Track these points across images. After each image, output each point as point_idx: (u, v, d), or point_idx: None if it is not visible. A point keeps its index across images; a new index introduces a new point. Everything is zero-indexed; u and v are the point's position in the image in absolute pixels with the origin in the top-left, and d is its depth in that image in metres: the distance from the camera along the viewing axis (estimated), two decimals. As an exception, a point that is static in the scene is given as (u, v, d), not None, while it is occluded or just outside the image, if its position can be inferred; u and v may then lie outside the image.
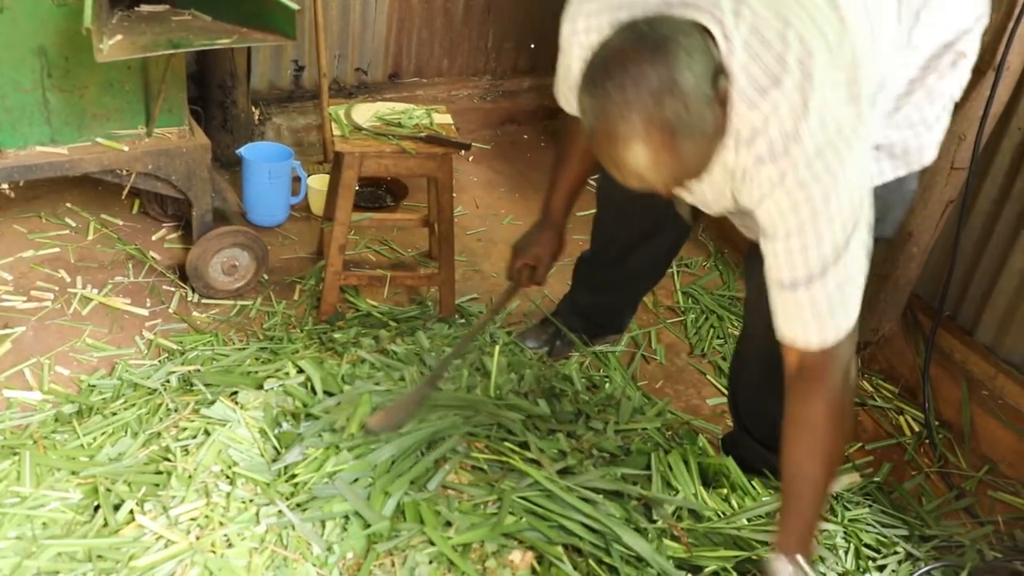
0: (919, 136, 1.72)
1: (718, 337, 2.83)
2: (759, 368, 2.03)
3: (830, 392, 1.51)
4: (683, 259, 3.15)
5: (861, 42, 1.42)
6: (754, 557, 1.84)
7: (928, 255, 2.62)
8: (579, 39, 1.55)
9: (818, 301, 1.45)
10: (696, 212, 1.97)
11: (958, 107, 2.33)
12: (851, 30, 1.40)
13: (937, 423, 2.53)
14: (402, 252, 3.05)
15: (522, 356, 2.48)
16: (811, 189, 1.37)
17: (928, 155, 1.75)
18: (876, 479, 2.30)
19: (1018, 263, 2.48)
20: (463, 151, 2.52)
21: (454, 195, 2.66)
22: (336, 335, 2.48)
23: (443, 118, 2.61)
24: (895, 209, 1.81)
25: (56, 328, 2.43)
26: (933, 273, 2.69)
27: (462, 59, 3.92)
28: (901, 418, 2.57)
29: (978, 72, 2.30)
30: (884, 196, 1.70)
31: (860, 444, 2.48)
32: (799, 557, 1.57)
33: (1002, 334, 2.55)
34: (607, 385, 2.47)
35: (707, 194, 1.65)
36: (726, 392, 2.44)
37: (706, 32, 1.34)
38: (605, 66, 1.30)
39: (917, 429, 2.54)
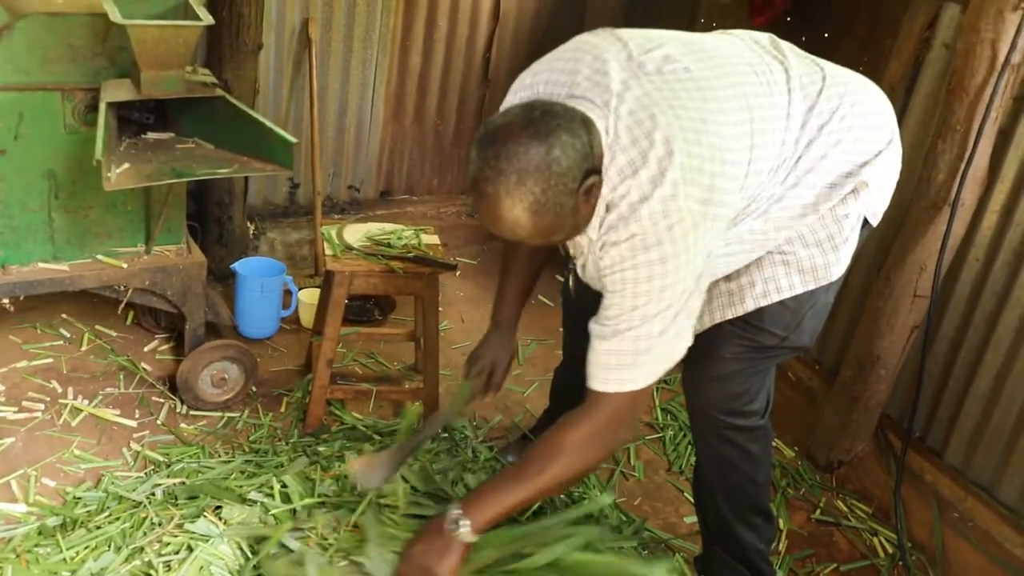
0: (825, 253, 1.86)
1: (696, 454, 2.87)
2: (721, 495, 2.12)
3: (592, 425, 1.74)
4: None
5: (731, 155, 1.64)
6: None
7: (897, 378, 2.71)
8: None
9: (613, 353, 1.68)
10: (578, 288, 2.07)
11: (918, 238, 2.49)
12: (725, 144, 1.62)
13: (910, 545, 2.57)
14: (388, 365, 3.12)
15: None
16: (650, 253, 1.58)
17: (835, 271, 1.89)
18: (850, 601, 2.32)
19: (982, 387, 2.57)
20: (449, 271, 2.62)
21: (440, 310, 2.75)
22: (321, 448, 2.52)
23: (431, 238, 2.73)
24: (808, 319, 1.93)
25: (45, 439, 2.47)
26: (903, 396, 2.78)
27: (451, 178, 4.10)
28: (875, 539, 2.61)
29: (935, 207, 2.46)
30: (796, 308, 1.89)
31: (835, 565, 2.51)
32: (466, 521, 1.75)
33: (970, 456, 2.62)
34: (586, 502, 2.50)
35: (592, 272, 1.82)
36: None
37: (589, 121, 1.56)
38: (494, 134, 1.53)
39: (891, 550, 2.57)
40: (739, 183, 1.67)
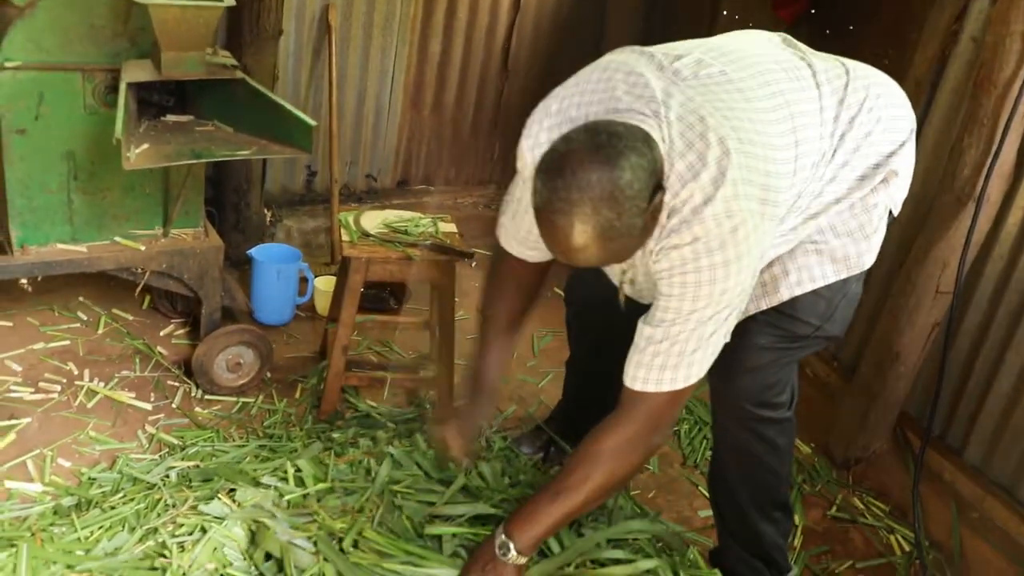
0: (857, 243, 1.85)
1: (711, 448, 2.84)
2: (743, 488, 2.10)
3: (631, 428, 1.72)
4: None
5: (780, 153, 1.62)
6: None
7: (917, 376, 2.68)
8: (535, 155, 1.66)
9: (660, 354, 1.65)
10: (629, 302, 2.04)
11: (941, 234, 2.46)
12: (772, 143, 1.61)
13: (927, 543, 2.55)
14: (403, 354, 3.11)
15: (517, 462, 2.51)
16: (714, 257, 1.56)
17: (867, 259, 1.88)
18: (866, 599, 2.30)
19: (1004, 386, 2.54)
20: (466, 259, 2.61)
21: (456, 300, 2.74)
22: (335, 434, 2.52)
23: (448, 227, 2.71)
24: (840, 308, 1.92)
25: (61, 420, 2.48)
26: (922, 393, 2.75)
27: (469, 169, 4.08)
28: (892, 537, 2.59)
29: (959, 203, 2.42)
30: (828, 296, 1.87)
31: (851, 562, 2.49)
32: (511, 544, 1.75)
33: (990, 455, 2.59)
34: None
35: (642, 284, 1.81)
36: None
37: (650, 136, 1.52)
38: (560, 163, 1.48)
39: (908, 549, 2.55)
40: (789, 180, 1.66)
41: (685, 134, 1.54)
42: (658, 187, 1.52)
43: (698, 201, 1.54)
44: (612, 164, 1.45)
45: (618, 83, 1.62)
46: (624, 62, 1.66)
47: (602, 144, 1.47)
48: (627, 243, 1.52)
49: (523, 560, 1.80)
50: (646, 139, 1.51)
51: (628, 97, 1.59)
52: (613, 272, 1.94)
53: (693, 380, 1.70)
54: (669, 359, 1.65)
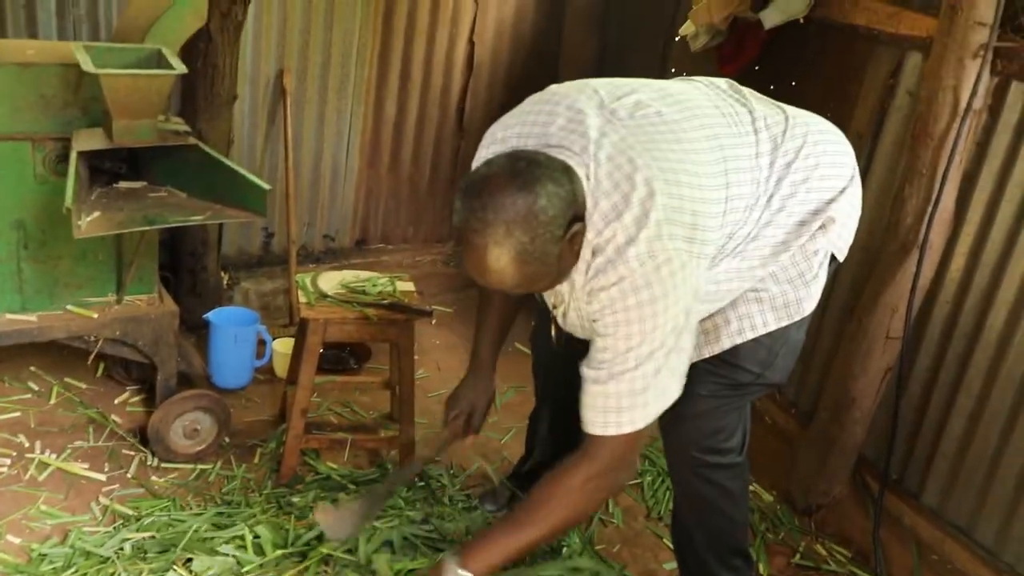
0: (797, 289, 1.89)
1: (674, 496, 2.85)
2: (700, 536, 2.11)
3: (592, 468, 1.73)
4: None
5: (709, 193, 1.67)
6: None
7: (872, 420, 2.72)
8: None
9: (610, 396, 1.67)
10: (560, 338, 2.08)
11: (889, 280, 2.52)
12: (702, 183, 1.66)
13: (890, 588, 2.56)
14: (364, 414, 3.09)
15: (480, 518, 2.50)
16: (640, 295, 1.59)
17: (807, 306, 1.92)
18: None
19: (956, 428, 2.58)
20: (425, 318, 2.61)
21: (416, 358, 2.73)
22: (295, 498, 2.49)
23: (406, 286, 2.72)
24: (781, 356, 1.96)
25: (11, 495, 2.42)
26: (879, 438, 2.78)
27: (427, 226, 4.11)
28: (855, 583, 2.60)
29: (903, 250, 2.49)
30: (769, 344, 1.91)
31: (816, 610, 2.49)
32: (465, 571, 1.73)
33: (947, 497, 2.62)
34: (564, 549, 2.48)
35: (574, 320, 1.84)
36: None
37: (571, 169, 1.59)
38: (479, 185, 1.55)
39: (871, 595, 2.56)
40: (719, 220, 1.70)
41: (613, 175, 1.60)
42: (576, 219, 1.58)
43: (621, 241, 1.59)
44: (528, 189, 1.51)
45: (557, 118, 1.69)
46: (567, 95, 1.74)
47: (520, 170, 1.54)
48: (541, 269, 1.58)
49: None
50: (566, 170, 1.58)
51: (561, 133, 1.66)
52: (549, 302, 1.97)
53: (651, 419, 1.71)
54: (621, 400, 1.67)
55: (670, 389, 1.72)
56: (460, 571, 1.73)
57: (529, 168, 1.54)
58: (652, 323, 1.61)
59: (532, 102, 1.78)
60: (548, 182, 1.53)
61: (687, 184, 1.63)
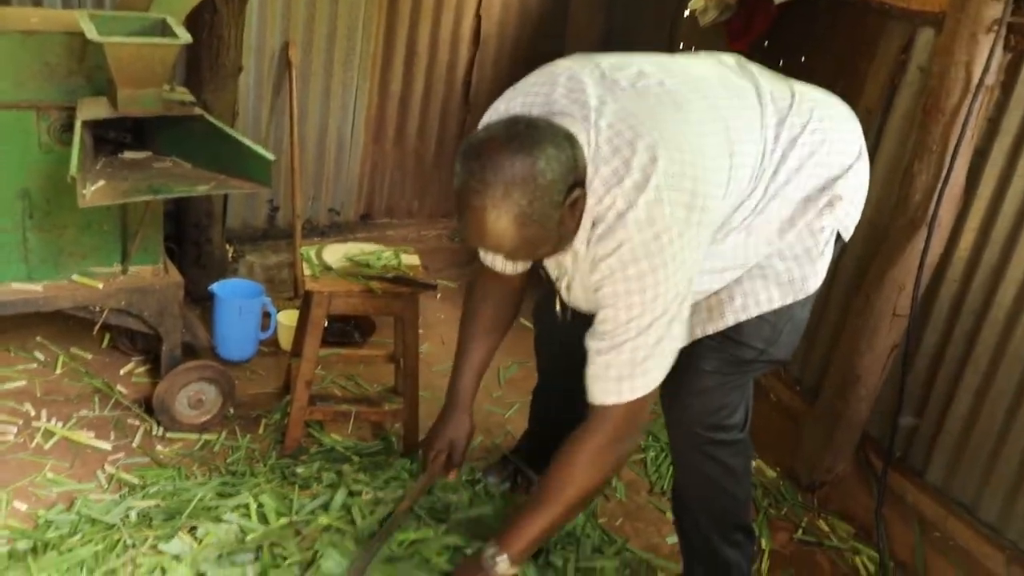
0: (802, 267, 1.88)
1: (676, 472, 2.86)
2: (703, 512, 2.12)
3: (600, 439, 1.75)
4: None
5: (711, 162, 1.66)
6: None
7: (877, 397, 2.71)
8: None
9: (611, 366, 1.69)
10: (565, 312, 2.05)
11: (897, 257, 2.50)
12: (704, 151, 1.64)
13: (892, 564, 2.56)
14: (368, 387, 3.09)
15: (484, 492, 2.50)
16: (640, 265, 1.59)
17: (812, 284, 1.91)
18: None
19: (962, 407, 2.57)
20: (430, 291, 2.61)
21: (420, 332, 2.73)
22: (299, 469, 2.49)
23: (411, 259, 2.72)
24: (786, 333, 1.95)
25: (17, 463, 2.43)
26: (883, 415, 2.78)
27: (432, 201, 4.09)
28: (857, 559, 2.60)
29: (912, 227, 2.47)
30: (774, 321, 1.90)
31: (818, 586, 2.50)
32: (503, 555, 1.79)
33: (951, 475, 2.62)
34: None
35: (579, 293, 1.84)
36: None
37: (571, 135, 1.58)
38: (478, 148, 1.55)
39: (873, 570, 2.56)
40: (722, 190, 1.69)
41: (613, 140, 1.59)
42: (577, 184, 1.58)
43: (621, 207, 1.58)
44: (526, 151, 1.51)
45: (558, 87, 1.69)
46: (568, 67, 1.74)
47: (519, 132, 1.54)
48: (540, 234, 1.58)
49: (513, 570, 1.83)
50: (567, 136, 1.58)
51: (564, 100, 1.66)
52: (553, 274, 1.96)
53: (652, 387, 1.73)
54: (623, 369, 1.68)
55: (671, 356, 1.73)
56: (499, 557, 1.79)
57: (528, 131, 1.54)
58: (653, 292, 1.61)
59: (533, 75, 1.78)
60: (548, 145, 1.53)
61: (688, 150, 1.62)
